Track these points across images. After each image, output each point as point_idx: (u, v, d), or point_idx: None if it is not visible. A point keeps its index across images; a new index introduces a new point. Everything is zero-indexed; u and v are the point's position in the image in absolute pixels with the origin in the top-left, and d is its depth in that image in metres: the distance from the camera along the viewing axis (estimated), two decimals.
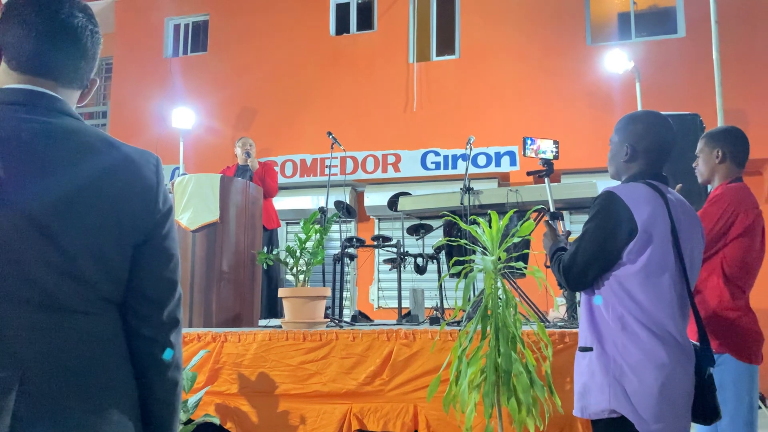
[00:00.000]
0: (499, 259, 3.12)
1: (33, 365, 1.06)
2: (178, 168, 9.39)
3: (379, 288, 9.27)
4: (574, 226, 8.69)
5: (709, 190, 2.83)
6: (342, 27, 10.09)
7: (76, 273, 1.11)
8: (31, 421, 1.03)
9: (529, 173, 4.40)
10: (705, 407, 1.93)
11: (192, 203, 5.05)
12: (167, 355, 1.26)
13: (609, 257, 1.96)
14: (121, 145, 1.23)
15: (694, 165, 2.79)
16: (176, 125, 9.36)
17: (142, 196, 1.21)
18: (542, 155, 4.19)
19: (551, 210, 4.27)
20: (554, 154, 4.23)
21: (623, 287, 1.94)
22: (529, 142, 4.18)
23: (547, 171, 4.21)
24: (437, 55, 9.69)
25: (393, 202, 5.78)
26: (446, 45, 9.70)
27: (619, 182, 2.18)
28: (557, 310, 5.09)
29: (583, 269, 2.01)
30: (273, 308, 6.15)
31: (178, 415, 1.32)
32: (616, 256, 1.95)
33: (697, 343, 2.00)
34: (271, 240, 6.33)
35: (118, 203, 1.17)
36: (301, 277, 4.38)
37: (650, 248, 1.92)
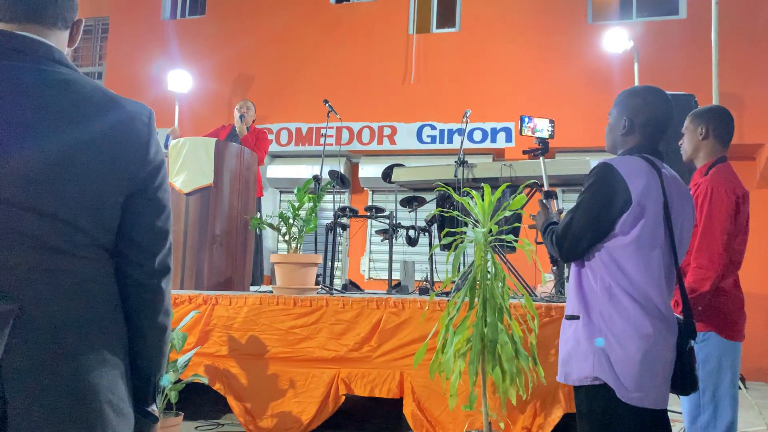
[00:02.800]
0: (490, 231, 3.16)
1: (30, 301, 1.10)
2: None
3: (370, 259, 9.33)
4: (567, 204, 8.74)
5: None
6: None
7: (69, 220, 1.14)
8: (23, 351, 1.07)
9: (525, 152, 4.42)
10: (684, 378, 1.98)
11: (186, 166, 5.06)
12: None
13: (602, 227, 1.99)
14: (117, 98, 1.25)
15: (680, 143, 2.82)
16: (172, 88, 9.28)
17: (136, 149, 1.24)
18: (538, 134, 4.21)
19: (545, 189, 4.30)
20: (550, 133, 4.25)
21: (613, 258, 1.97)
22: (526, 120, 4.20)
23: (542, 150, 4.23)
24: (437, 28, 9.61)
25: (387, 173, 5.79)
26: (447, 18, 9.61)
27: (614, 156, 2.20)
28: (545, 285, 5.15)
29: (576, 239, 2.03)
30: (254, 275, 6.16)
31: (166, 360, 1.37)
32: (609, 226, 1.98)
33: (681, 316, 2.04)
34: (260, 208, 6.33)
35: (114, 157, 1.20)
36: (293, 243, 4.41)
37: (643, 221, 1.95)
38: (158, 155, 1.29)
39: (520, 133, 4.18)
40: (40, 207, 1.11)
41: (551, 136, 4.23)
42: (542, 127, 4.22)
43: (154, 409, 1.34)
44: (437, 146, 8.98)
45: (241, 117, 6.19)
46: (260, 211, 6.30)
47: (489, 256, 3.15)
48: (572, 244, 2.05)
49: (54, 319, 1.12)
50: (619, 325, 1.93)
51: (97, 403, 1.14)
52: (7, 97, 1.12)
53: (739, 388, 2.79)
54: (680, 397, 2.14)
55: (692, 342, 2.02)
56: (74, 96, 1.18)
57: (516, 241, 3.38)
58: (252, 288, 5.50)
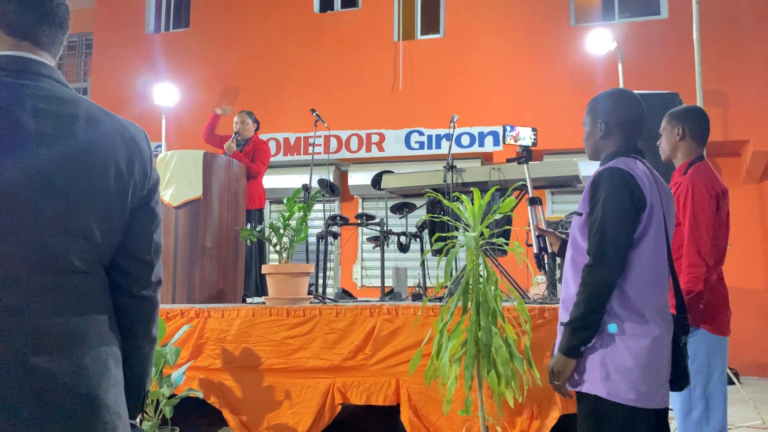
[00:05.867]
0: (481, 235, 3.17)
1: (40, 319, 1.11)
2: (160, 145, 9.31)
3: (362, 267, 9.31)
4: (555, 206, 8.78)
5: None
6: (326, 4, 9.99)
7: (84, 231, 1.17)
8: (37, 368, 1.09)
9: (509, 160, 4.45)
10: (677, 374, 1.99)
11: (175, 179, 5.04)
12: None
13: (632, 231, 1.93)
14: (114, 115, 1.30)
15: (657, 143, 2.86)
16: (158, 102, 9.26)
17: (141, 163, 1.28)
18: (521, 142, 4.23)
19: (530, 196, 4.31)
20: (533, 141, 4.27)
21: (628, 263, 1.94)
22: (508, 129, 4.22)
23: (526, 158, 4.26)
24: (422, 34, 9.65)
25: (377, 180, 5.80)
26: (431, 24, 9.66)
27: (597, 162, 2.19)
28: (537, 287, 5.17)
29: (619, 248, 1.92)
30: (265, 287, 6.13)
31: (152, 369, 1.42)
32: (635, 229, 1.94)
33: (674, 313, 2.04)
34: (260, 220, 6.29)
35: (123, 168, 1.23)
36: (285, 254, 4.40)
37: (654, 221, 1.95)
38: (156, 172, 1.34)
39: (504, 142, 4.21)
40: (53, 215, 1.13)
41: (534, 144, 4.26)
42: (525, 135, 4.24)
43: (137, 421, 1.36)
44: (426, 152, 9.00)
45: (236, 133, 6.07)
46: (262, 222, 6.25)
47: (481, 260, 3.16)
48: (616, 254, 1.91)
49: (63, 332, 1.14)
50: (626, 331, 1.91)
51: (109, 416, 1.16)
52: (13, 111, 1.14)
53: (734, 383, 2.82)
54: (671, 393, 2.14)
55: (685, 338, 2.03)
56: (79, 111, 1.21)
57: (507, 244, 3.39)
58: (257, 300, 5.48)
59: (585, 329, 1.90)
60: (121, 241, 1.26)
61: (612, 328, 1.91)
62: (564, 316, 2.02)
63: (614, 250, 1.90)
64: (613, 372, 1.90)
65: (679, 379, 2.00)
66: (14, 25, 1.23)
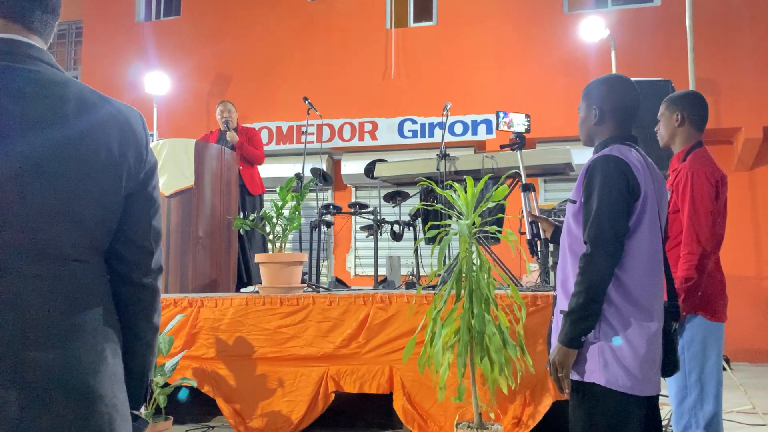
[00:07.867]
0: (474, 223, 3.17)
1: (33, 310, 1.09)
2: (151, 134, 9.24)
3: (356, 256, 9.31)
4: (548, 194, 8.79)
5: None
6: None
7: (76, 217, 1.14)
8: (32, 363, 1.08)
9: (502, 146, 4.44)
10: (667, 360, 2.00)
11: (166, 168, 5.02)
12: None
13: (628, 219, 1.92)
14: (109, 98, 1.27)
15: (656, 129, 2.84)
16: (149, 91, 9.19)
17: (135, 147, 1.25)
18: (514, 128, 4.23)
19: (523, 182, 4.32)
20: (526, 127, 4.26)
21: (625, 251, 1.92)
22: (501, 115, 4.21)
23: (519, 144, 4.25)
24: (415, 22, 9.61)
25: (369, 169, 5.78)
26: (424, 11, 9.61)
27: (591, 148, 2.18)
28: (530, 274, 5.18)
29: (617, 235, 1.89)
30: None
31: (156, 359, 1.38)
32: (629, 218, 1.92)
33: (665, 300, 2.05)
34: (261, 205, 6.30)
35: (115, 152, 1.20)
36: (278, 243, 4.39)
37: (648, 211, 1.93)
38: (153, 156, 1.31)
39: (497, 128, 4.20)
40: (47, 202, 1.11)
41: (527, 131, 4.25)
42: (518, 121, 4.24)
43: (141, 412, 1.34)
44: (419, 140, 8.98)
45: (226, 123, 6.02)
46: (262, 208, 6.22)
47: (474, 248, 3.16)
48: (614, 240, 1.89)
49: (58, 323, 1.12)
50: (624, 322, 1.90)
51: (105, 408, 1.14)
52: (1, 95, 1.12)
53: (724, 369, 2.83)
54: (666, 379, 2.15)
55: (675, 324, 2.04)
56: (71, 94, 1.19)
57: (500, 232, 3.39)
58: (249, 289, 5.48)
59: (586, 319, 1.88)
60: (118, 227, 1.24)
61: (616, 341, 1.89)
62: (563, 304, 2.00)
63: (612, 238, 1.88)
64: (611, 361, 1.89)
65: (668, 366, 2.01)
66: (6, 7, 1.20)
